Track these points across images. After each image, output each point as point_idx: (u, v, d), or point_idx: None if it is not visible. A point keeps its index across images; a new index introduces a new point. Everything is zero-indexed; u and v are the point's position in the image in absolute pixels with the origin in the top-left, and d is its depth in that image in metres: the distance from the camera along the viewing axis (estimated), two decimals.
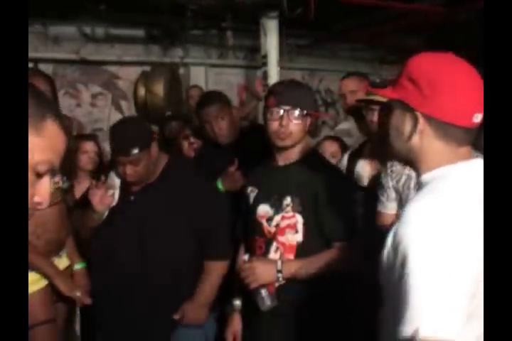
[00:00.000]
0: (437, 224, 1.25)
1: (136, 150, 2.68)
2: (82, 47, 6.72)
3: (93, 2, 5.82)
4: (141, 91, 6.77)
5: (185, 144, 3.95)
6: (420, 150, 1.44)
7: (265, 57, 5.95)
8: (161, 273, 2.75)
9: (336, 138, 4.16)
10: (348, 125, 3.86)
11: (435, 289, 1.19)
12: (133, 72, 7.01)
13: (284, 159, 2.54)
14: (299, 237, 2.41)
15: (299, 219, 2.41)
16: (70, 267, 2.98)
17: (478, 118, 1.38)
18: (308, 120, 2.48)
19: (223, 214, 2.91)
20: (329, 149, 3.87)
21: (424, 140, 1.42)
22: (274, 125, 2.43)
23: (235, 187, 3.20)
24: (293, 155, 2.52)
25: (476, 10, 5.08)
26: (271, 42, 5.91)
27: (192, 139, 3.93)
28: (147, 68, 6.95)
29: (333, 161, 3.34)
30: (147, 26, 6.91)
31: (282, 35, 6.18)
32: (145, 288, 2.75)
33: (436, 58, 1.44)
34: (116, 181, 2.92)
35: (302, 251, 2.40)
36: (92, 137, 4.37)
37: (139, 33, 6.96)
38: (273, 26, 5.88)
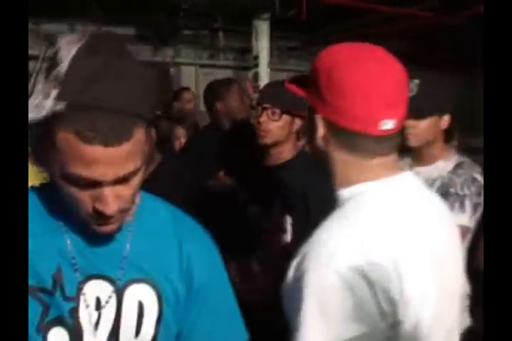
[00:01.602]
0: (343, 255, 1.14)
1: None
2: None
3: (85, 0, 5.83)
4: None
5: (177, 144, 3.97)
6: (328, 158, 1.28)
7: (256, 58, 6.01)
8: None
9: None
10: None
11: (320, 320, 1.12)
12: None
13: (273, 159, 2.55)
14: (287, 237, 2.42)
15: (287, 219, 2.42)
16: None
17: (388, 124, 1.20)
18: (295, 120, 2.48)
19: (213, 215, 2.93)
20: None
21: (330, 148, 1.26)
22: (255, 123, 2.49)
23: (223, 189, 3.23)
24: (282, 155, 2.52)
25: (464, 16, 5.17)
26: (262, 44, 5.96)
27: (183, 139, 3.95)
28: None
29: None
30: (138, 25, 6.93)
31: (273, 38, 6.23)
32: None
33: (340, 52, 1.24)
34: None
35: (291, 252, 2.41)
36: None
37: (130, 31, 6.96)
38: (265, 28, 5.93)
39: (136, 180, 1.09)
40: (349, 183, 1.26)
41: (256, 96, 3.45)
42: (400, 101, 1.23)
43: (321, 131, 1.24)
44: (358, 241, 1.15)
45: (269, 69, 6.04)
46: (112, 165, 1.01)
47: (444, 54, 7.66)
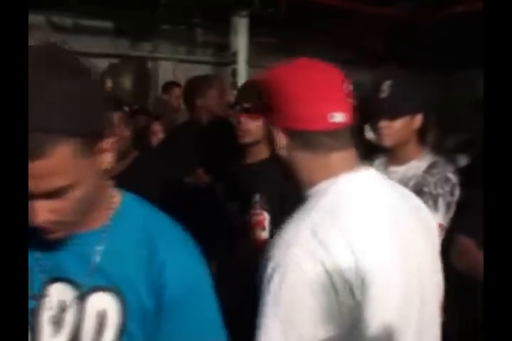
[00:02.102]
0: (301, 249, 1.20)
1: (126, 108, 2.88)
2: (50, 37, 6.64)
3: None
4: (108, 83, 6.74)
5: (154, 140, 3.96)
6: (292, 164, 1.37)
7: (234, 55, 6.01)
8: None
9: None
10: None
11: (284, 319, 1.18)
12: (100, 65, 6.97)
13: (252, 157, 2.57)
14: (266, 234, 2.44)
15: (266, 217, 2.45)
16: None
17: (337, 117, 1.31)
18: None
19: (189, 207, 2.94)
20: None
21: (291, 154, 1.35)
22: (235, 122, 2.51)
23: (200, 186, 3.23)
24: (260, 153, 2.53)
25: (443, 16, 5.22)
26: (241, 40, 5.98)
27: (160, 135, 3.95)
28: (115, 61, 6.93)
29: None
30: (116, 18, 6.89)
31: (251, 34, 6.24)
32: None
33: (280, 67, 1.38)
34: None
35: None
36: None
37: (108, 25, 6.93)
38: (243, 25, 5.95)
39: (74, 194, 1.08)
40: (313, 183, 1.33)
41: (234, 94, 3.48)
42: (342, 97, 1.34)
43: (282, 140, 1.35)
44: (314, 231, 1.21)
45: (247, 66, 6.05)
46: (35, 179, 1.00)
47: (417, 53, 7.73)
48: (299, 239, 1.22)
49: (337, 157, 1.33)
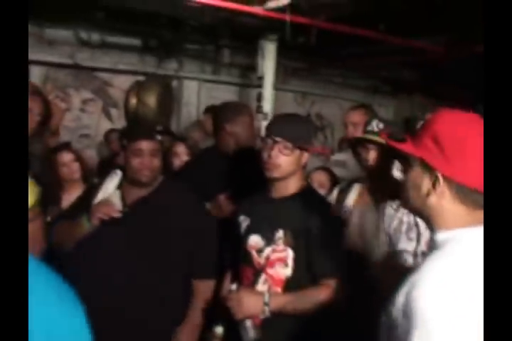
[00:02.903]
0: (453, 289, 1.25)
1: (159, 137, 2.81)
2: (77, 51, 6.71)
3: (92, 9, 5.82)
4: (133, 100, 6.77)
5: (177, 162, 3.91)
6: (437, 209, 1.42)
7: (261, 78, 5.98)
8: (145, 290, 2.73)
9: (325, 169, 4.18)
10: (344, 156, 3.89)
11: None
12: (126, 81, 7.01)
13: (278, 191, 2.53)
14: (288, 271, 2.40)
15: (289, 253, 2.40)
16: None
17: None
18: (304, 154, 2.48)
19: (213, 235, 2.92)
20: (318, 178, 3.89)
21: (443, 201, 1.41)
22: (264, 155, 2.45)
23: (221, 214, 3.18)
24: (288, 188, 2.51)
25: (472, 51, 5.17)
26: (268, 64, 5.96)
27: (184, 157, 3.90)
28: (140, 78, 6.95)
29: (321, 191, 3.33)
30: (144, 36, 6.93)
31: (279, 57, 6.23)
32: (130, 310, 2.71)
33: (460, 119, 1.43)
34: (111, 187, 2.91)
35: (290, 285, 2.39)
36: (65, 146, 4.23)
37: (135, 42, 6.98)
38: (271, 49, 5.93)
39: None
40: (447, 227, 1.41)
41: (264, 127, 3.44)
42: None
43: (441, 187, 1.39)
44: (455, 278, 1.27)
45: (273, 90, 6.04)
46: None
47: (448, 87, 7.69)
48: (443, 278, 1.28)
49: (478, 213, 1.38)
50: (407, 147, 1.48)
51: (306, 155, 2.49)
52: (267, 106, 6.01)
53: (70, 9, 5.77)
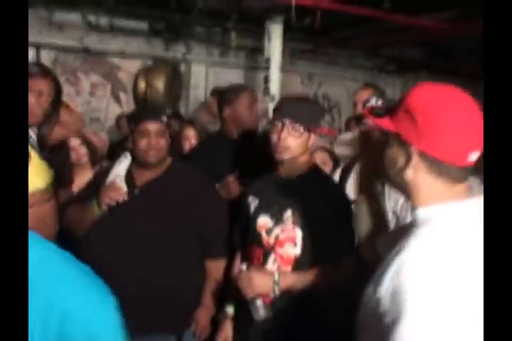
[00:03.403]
0: (437, 271, 1.25)
1: (164, 118, 2.87)
2: (86, 35, 6.73)
3: None
4: (142, 84, 6.80)
5: (186, 145, 3.95)
6: (414, 184, 1.43)
7: (268, 60, 6.00)
8: (159, 272, 2.78)
9: (325, 149, 4.24)
10: (350, 135, 3.93)
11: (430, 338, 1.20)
12: (134, 65, 7.04)
13: (286, 172, 2.58)
14: (297, 250, 2.45)
15: (298, 233, 2.45)
16: None
17: (474, 156, 1.38)
18: (312, 135, 2.52)
19: (224, 216, 2.98)
20: (320, 157, 3.95)
21: (418, 175, 1.41)
22: (274, 138, 2.49)
23: (230, 196, 3.24)
24: (295, 168, 2.55)
25: (478, 28, 5.16)
26: (274, 46, 5.95)
27: (193, 140, 3.94)
28: (149, 62, 6.98)
29: (325, 169, 3.38)
30: (151, 19, 6.93)
31: (284, 39, 6.23)
32: (144, 291, 2.76)
33: (436, 93, 1.41)
34: (122, 170, 2.97)
35: (300, 264, 2.44)
36: None
37: (143, 25, 6.98)
38: (278, 31, 5.92)
39: None
40: (426, 203, 1.42)
41: (271, 108, 3.49)
42: (481, 135, 1.36)
43: (415, 160, 1.40)
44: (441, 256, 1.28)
45: (280, 73, 6.05)
46: None
47: (455, 63, 7.68)
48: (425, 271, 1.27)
49: (458, 187, 1.41)
50: (383, 121, 1.48)
51: (313, 137, 2.52)
52: (274, 88, 6.02)
53: None
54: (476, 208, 1.37)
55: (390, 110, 1.49)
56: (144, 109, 3.10)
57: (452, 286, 1.23)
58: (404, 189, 1.48)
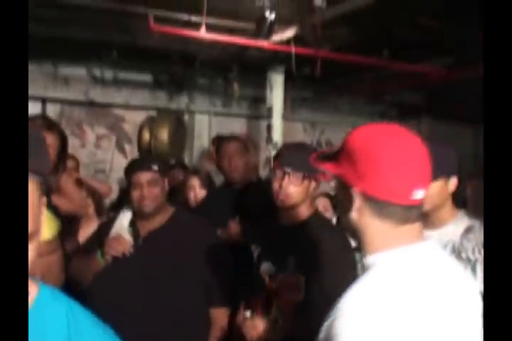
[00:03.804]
0: (372, 321, 1.21)
1: (156, 167, 2.86)
2: (91, 89, 6.87)
3: (105, 48, 5.98)
4: (146, 135, 6.87)
5: (191, 195, 3.98)
6: (360, 228, 1.39)
7: (270, 109, 6.09)
8: (164, 321, 2.77)
9: (327, 195, 4.29)
10: None
11: None
12: (139, 116, 7.14)
13: (288, 219, 2.60)
14: (300, 296, 2.44)
15: (301, 279, 2.44)
16: None
17: (419, 194, 1.34)
18: (312, 183, 2.55)
19: (226, 264, 2.99)
20: (321, 203, 4.00)
21: (363, 218, 1.38)
22: (275, 186, 2.52)
23: (232, 240, 3.26)
24: (297, 215, 2.58)
25: (477, 73, 5.24)
26: (276, 95, 6.06)
27: (198, 190, 3.97)
28: (153, 113, 7.08)
29: (326, 215, 3.42)
30: (155, 72, 7.09)
31: (286, 88, 6.33)
32: (148, 338, 2.76)
33: (375, 132, 1.38)
34: (125, 222, 2.99)
35: (303, 309, 2.43)
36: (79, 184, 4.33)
37: (147, 78, 7.13)
38: (279, 80, 6.05)
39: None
40: (376, 250, 1.37)
41: (271, 156, 3.55)
42: (427, 171, 1.37)
43: (357, 202, 1.36)
44: (379, 309, 1.23)
45: (282, 121, 6.15)
46: None
47: (456, 107, 7.75)
48: (357, 310, 1.24)
49: (405, 229, 1.36)
50: (326, 165, 1.46)
51: (314, 184, 2.56)
52: (277, 136, 6.11)
53: (84, 48, 5.94)
54: (421, 253, 1.35)
55: (335, 153, 1.46)
56: (136, 160, 3.13)
57: (385, 333, 1.20)
58: (355, 234, 1.44)
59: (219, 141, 3.74)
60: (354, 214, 1.38)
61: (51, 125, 3.03)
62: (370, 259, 1.37)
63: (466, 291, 1.40)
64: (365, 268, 1.39)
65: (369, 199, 1.35)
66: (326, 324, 1.30)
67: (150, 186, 2.87)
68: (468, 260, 2.31)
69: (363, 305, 1.24)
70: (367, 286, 1.31)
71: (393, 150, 1.33)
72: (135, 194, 2.88)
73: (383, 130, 1.40)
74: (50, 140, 2.88)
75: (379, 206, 1.34)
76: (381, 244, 1.36)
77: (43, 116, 3.13)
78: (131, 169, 2.95)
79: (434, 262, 1.37)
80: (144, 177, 2.86)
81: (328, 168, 1.45)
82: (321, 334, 1.31)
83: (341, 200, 1.43)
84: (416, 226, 1.39)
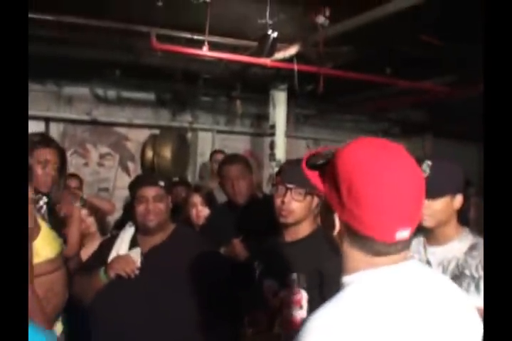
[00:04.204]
0: (339, 337, 1.18)
1: (162, 183, 2.89)
2: (94, 108, 6.90)
3: (108, 67, 6.01)
4: (149, 153, 6.88)
5: (193, 212, 3.97)
6: (341, 247, 1.33)
7: (273, 127, 6.11)
8: (167, 337, 2.76)
9: None
10: None
11: None
12: (142, 134, 7.16)
13: (290, 235, 2.58)
14: (303, 313, 2.41)
15: (304, 295, 2.42)
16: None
17: (403, 233, 1.25)
18: (315, 198, 2.53)
19: (228, 279, 2.97)
20: None
21: (343, 243, 1.32)
22: (278, 202, 2.51)
23: (236, 258, 3.25)
24: (300, 232, 2.56)
25: (478, 90, 5.25)
26: (279, 113, 6.08)
27: (200, 207, 3.96)
28: (156, 131, 7.10)
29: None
30: (158, 91, 7.12)
31: (289, 106, 6.35)
32: None
33: (362, 157, 1.25)
34: (126, 239, 2.99)
35: None
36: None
37: (150, 96, 7.17)
38: (282, 98, 6.06)
39: None
40: (353, 271, 1.31)
41: (273, 172, 3.54)
42: (417, 209, 1.27)
43: (337, 228, 1.29)
44: (345, 326, 1.19)
45: (285, 138, 6.16)
46: None
47: (458, 125, 7.75)
48: (324, 328, 1.20)
49: (387, 259, 1.29)
50: (314, 176, 1.38)
51: (316, 200, 2.54)
52: (280, 153, 6.12)
53: (86, 67, 5.97)
54: (403, 272, 1.30)
55: (326, 163, 1.37)
56: (142, 175, 3.16)
57: None
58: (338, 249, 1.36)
59: (222, 163, 3.72)
60: (336, 236, 1.32)
61: (48, 141, 3.05)
62: (346, 278, 1.32)
63: (453, 307, 1.35)
64: (341, 287, 1.34)
65: (350, 229, 1.27)
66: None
67: (155, 201, 2.89)
68: (473, 277, 2.30)
69: (330, 323, 1.20)
70: (337, 304, 1.26)
71: (379, 185, 1.21)
72: (140, 208, 2.89)
73: (372, 154, 1.25)
74: (49, 156, 2.90)
75: (360, 238, 1.27)
76: (359, 267, 1.30)
77: (41, 134, 3.17)
78: (138, 184, 2.97)
79: (417, 280, 1.31)
80: (150, 192, 2.88)
81: (316, 180, 1.37)
82: None
83: (324, 218, 1.37)
84: (400, 255, 1.31)
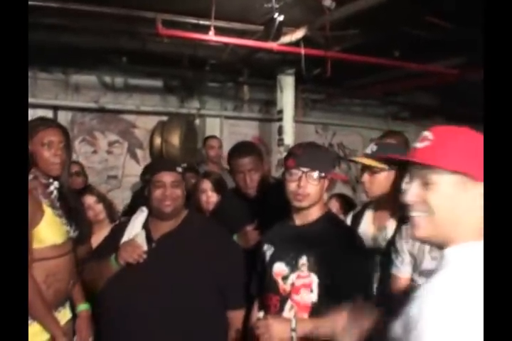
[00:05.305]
0: (462, 310, 1.23)
1: (179, 169, 2.92)
2: (102, 96, 6.89)
3: (115, 54, 6.00)
4: (157, 140, 6.86)
5: (203, 198, 3.96)
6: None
7: (281, 112, 6.08)
8: (179, 324, 2.76)
9: (339, 195, 4.27)
10: None
11: None
12: (150, 122, 7.14)
13: (301, 219, 2.59)
14: (313, 297, 2.43)
15: (314, 279, 2.43)
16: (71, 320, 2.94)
17: None
18: (326, 181, 2.55)
19: (241, 265, 2.96)
20: (333, 204, 4.00)
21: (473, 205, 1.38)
22: (292, 186, 2.50)
23: (249, 245, 3.24)
24: (310, 215, 2.57)
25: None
26: (287, 97, 6.05)
27: (210, 193, 3.95)
28: (164, 118, 7.09)
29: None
30: (165, 77, 7.10)
31: (297, 90, 6.31)
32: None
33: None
34: (138, 225, 3.00)
35: (316, 310, 2.42)
36: (87, 189, 4.32)
37: (157, 83, 7.14)
38: (289, 82, 6.03)
39: None
40: (455, 242, 1.38)
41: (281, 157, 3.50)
42: None
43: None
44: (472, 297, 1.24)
45: (293, 123, 6.14)
46: None
47: (467, 108, 7.70)
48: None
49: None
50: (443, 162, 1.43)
51: (327, 182, 2.55)
52: (288, 139, 6.10)
53: (93, 55, 5.96)
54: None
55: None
56: (159, 160, 3.13)
57: (473, 327, 1.20)
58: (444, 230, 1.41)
59: (231, 153, 3.64)
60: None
61: (49, 121, 2.98)
62: (448, 252, 1.40)
63: None
64: (444, 259, 1.41)
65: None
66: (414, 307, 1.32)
67: (173, 187, 2.89)
68: None
69: (456, 298, 1.26)
70: (459, 278, 1.31)
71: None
72: (157, 193, 2.88)
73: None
74: (53, 136, 2.80)
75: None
76: (457, 238, 1.38)
77: (40, 117, 3.04)
78: (155, 169, 2.97)
79: None
80: (168, 177, 2.89)
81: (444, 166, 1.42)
82: (408, 315, 1.33)
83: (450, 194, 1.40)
84: None
